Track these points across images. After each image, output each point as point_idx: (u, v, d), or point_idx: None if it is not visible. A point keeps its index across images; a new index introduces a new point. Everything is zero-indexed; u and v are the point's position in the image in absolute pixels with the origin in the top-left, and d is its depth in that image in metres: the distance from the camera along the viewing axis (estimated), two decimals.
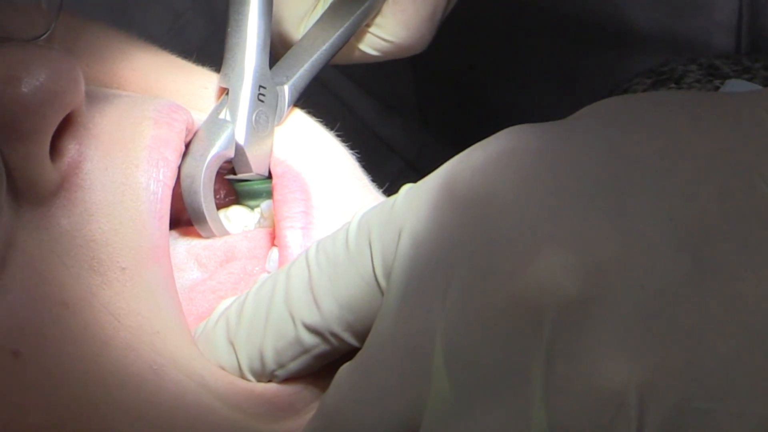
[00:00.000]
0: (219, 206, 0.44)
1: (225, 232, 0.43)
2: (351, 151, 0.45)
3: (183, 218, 0.42)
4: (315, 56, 0.46)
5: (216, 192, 0.44)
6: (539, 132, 0.33)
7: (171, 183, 0.39)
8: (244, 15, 0.43)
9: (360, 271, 0.35)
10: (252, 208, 0.44)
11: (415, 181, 0.36)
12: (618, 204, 0.31)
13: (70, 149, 0.37)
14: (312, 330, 0.36)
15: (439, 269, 0.32)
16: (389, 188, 0.83)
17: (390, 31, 0.50)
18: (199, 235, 0.43)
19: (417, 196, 0.34)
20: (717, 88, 0.63)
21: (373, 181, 0.45)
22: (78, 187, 0.37)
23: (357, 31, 0.48)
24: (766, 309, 0.29)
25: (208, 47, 0.71)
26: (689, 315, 0.29)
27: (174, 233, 0.42)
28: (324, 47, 0.46)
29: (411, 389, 0.32)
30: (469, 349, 0.31)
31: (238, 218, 0.44)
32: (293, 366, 0.37)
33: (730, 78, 0.65)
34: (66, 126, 0.37)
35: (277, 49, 0.47)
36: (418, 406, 0.32)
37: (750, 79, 0.66)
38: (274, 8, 0.47)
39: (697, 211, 0.30)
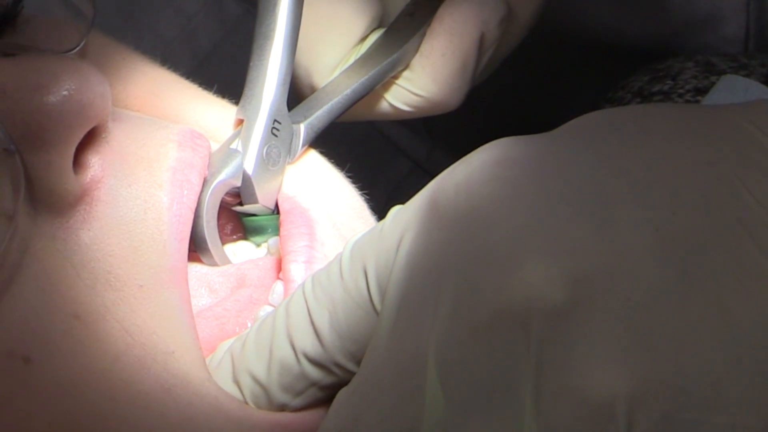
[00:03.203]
0: (226, 241, 0.44)
1: (227, 261, 0.43)
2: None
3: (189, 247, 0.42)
4: (335, 100, 0.46)
5: (223, 226, 0.44)
6: (522, 144, 0.33)
7: (193, 206, 0.39)
8: (267, 50, 0.43)
9: (356, 300, 0.35)
10: (258, 244, 0.44)
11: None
12: (603, 215, 0.31)
13: (93, 163, 0.37)
14: (316, 363, 0.36)
15: (429, 287, 0.32)
16: (399, 187, 0.83)
17: (419, 85, 0.49)
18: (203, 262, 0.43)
19: (404, 218, 0.34)
20: (713, 84, 0.63)
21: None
22: (100, 202, 0.37)
23: (383, 81, 0.48)
24: (754, 321, 0.29)
25: (219, 50, 0.71)
26: (676, 326, 0.29)
27: None
28: (346, 92, 0.46)
29: (407, 408, 0.31)
30: (460, 363, 0.30)
31: (244, 254, 0.44)
32: (300, 401, 0.37)
33: (726, 74, 0.66)
34: (90, 140, 0.37)
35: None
36: (415, 425, 0.31)
37: (747, 76, 0.66)
38: (306, 60, 0.48)
39: (682, 223, 0.30)
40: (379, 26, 0.51)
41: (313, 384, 0.36)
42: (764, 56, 0.70)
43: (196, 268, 0.42)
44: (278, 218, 0.43)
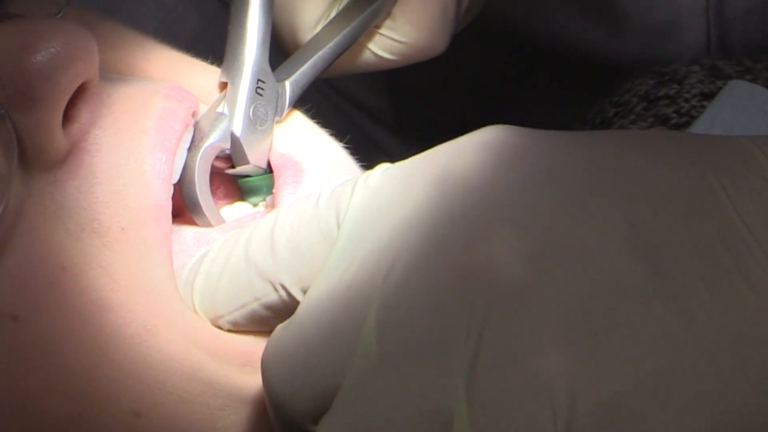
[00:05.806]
0: (222, 204, 0.44)
1: (222, 222, 0.43)
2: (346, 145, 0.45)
3: (186, 215, 0.42)
4: (318, 54, 0.46)
5: (217, 188, 0.44)
6: (523, 131, 0.34)
7: (175, 149, 0.39)
8: (245, 11, 0.44)
9: (321, 225, 0.35)
10: (255, 204, 0.44)
11: None
12: (583, 202, 0.31)
13: (81, 116, 0.37)
14: (263, 275, 0.36)
15: (397, 235, 0.32)
16: None
17: (401, 32, 0.50)
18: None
19: (390, 173, 0.35)
20: (719, 89, 0.62)
21: None
22: (85, 152, 0.37)
23: (366, 31, 0.49)
24: (715, 328, 0.29)
25: (199, 42, 0.70)
26: (635, 317, 0.29)
27: (180, 224, 0.42)
28: (329, 46, 0.46)
29: (339, 345, 0.31)
30: (403, 311, 0.30)
31: (242, 214, 0.44)
32: (240, 314, 0.37)
33: (732, 79, 0.64)
34: (78, 96, 0.36)
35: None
36: (343, 364, 0.31)
37: (752, 80, 0.65)
38: (288, 18, 0.49)
39: (660, 225, 0.30)
40: None
41: (256, 299, 0.36)
42: None
43: (194, 229, 0.42)
44: (272, 176, 0.43)
